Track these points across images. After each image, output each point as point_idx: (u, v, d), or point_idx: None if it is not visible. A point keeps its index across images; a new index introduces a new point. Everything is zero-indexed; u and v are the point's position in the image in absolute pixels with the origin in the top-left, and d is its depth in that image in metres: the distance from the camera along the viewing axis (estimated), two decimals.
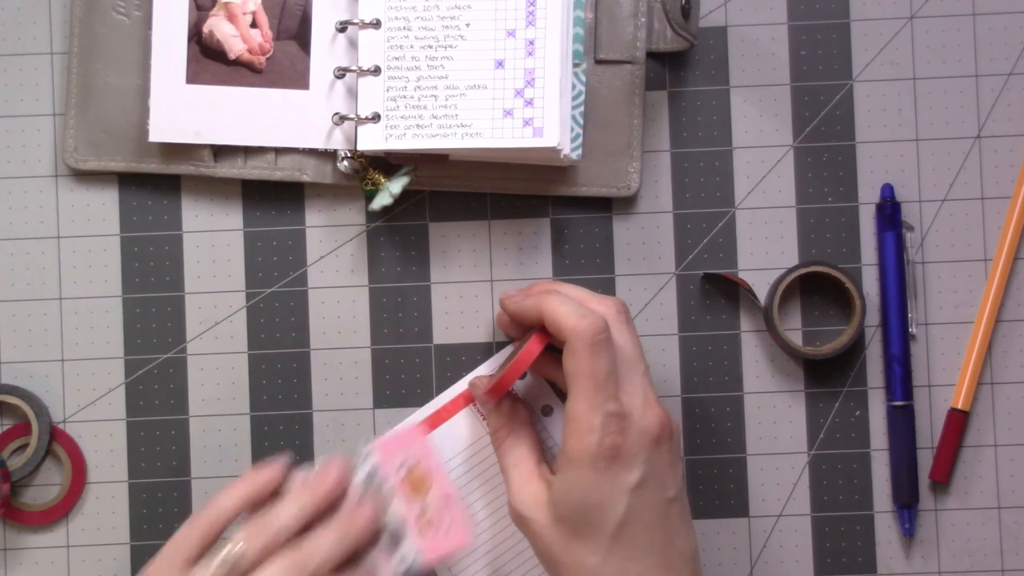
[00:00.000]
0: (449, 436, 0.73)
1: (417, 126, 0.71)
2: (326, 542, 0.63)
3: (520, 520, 0.66)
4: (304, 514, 0.64)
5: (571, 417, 0.63)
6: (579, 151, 0.72)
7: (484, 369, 0.74)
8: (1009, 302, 0.74)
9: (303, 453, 0.74)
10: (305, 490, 0.65)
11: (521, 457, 0.68)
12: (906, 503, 0.73)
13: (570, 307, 0.64)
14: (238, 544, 0.62)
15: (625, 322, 0.66)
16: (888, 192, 0.74)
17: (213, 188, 0.75)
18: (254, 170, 0.74)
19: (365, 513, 0.65)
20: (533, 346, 0.65)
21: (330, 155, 0.74)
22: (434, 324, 0.74)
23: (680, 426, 0.66)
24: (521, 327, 0.71)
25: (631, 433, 0.63)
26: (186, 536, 0.63)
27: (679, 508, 0.65)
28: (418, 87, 0.71)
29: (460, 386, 0.74)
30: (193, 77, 0.73)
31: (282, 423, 0.74)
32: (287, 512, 0.63)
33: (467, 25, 0.71)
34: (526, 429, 0.69)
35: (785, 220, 0.75)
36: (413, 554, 0.67)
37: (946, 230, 0.75)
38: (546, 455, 0.70)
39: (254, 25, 0.73)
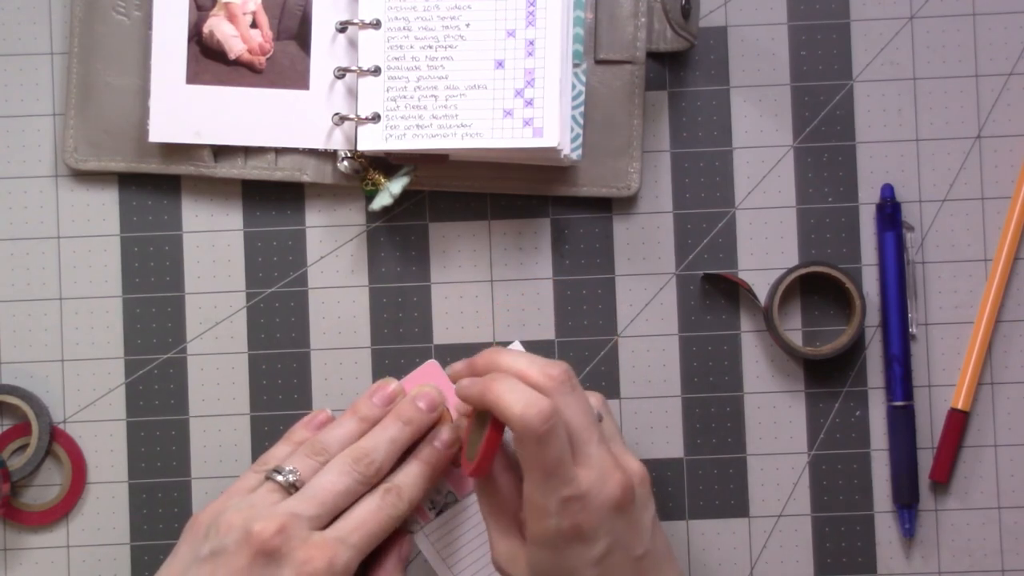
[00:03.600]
0: None
1: (417, 126, 0.71)
2: (383, 434, 0.66)
3: (501, 572, 0.66)
4: (359, 428, 0.67)
5: (527, 501, 0.62)
6: (579, 151, 0.72)
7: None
8: (1009, 302, 0.74)
9: None
10: (355, 409, 0.68)
11: (499, 506, 0.65)
12: (906, 503, 0.73)
13: (515, 395, 0.60)
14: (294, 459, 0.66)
15: (572, 390, 0.62)
16: (888, 192, 0.74)
17: (213, 188, 0.75)
18: (254, 170, 0.74)
19: (418, 404, 0.68)
20: (493, 436, 0.63)
21: (330, 155, 0.74)
22: (434, 324, 0.74)
23: (646, 474, 0.64)
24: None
25: (591, 509, 0.61)
26: (248, 477, 0.66)
27: (650, 560, 0.64)
28: (418, 87, 0.71)
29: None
30: (193, 77, 0.73)
31: (282, 423, 0.74)
32: (342, 429, 0.67)
33: (467, 25, 0.71)
34: (506, 475, 0.65)
35: (785, 220, 0.75)
36: (445, 488, 0.70)
37: (946, 230, 0.75)
38: None
39: (254, 25, 0.73)
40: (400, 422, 0.67)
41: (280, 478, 0.65)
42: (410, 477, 0.67)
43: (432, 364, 0.73)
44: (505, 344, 0.74)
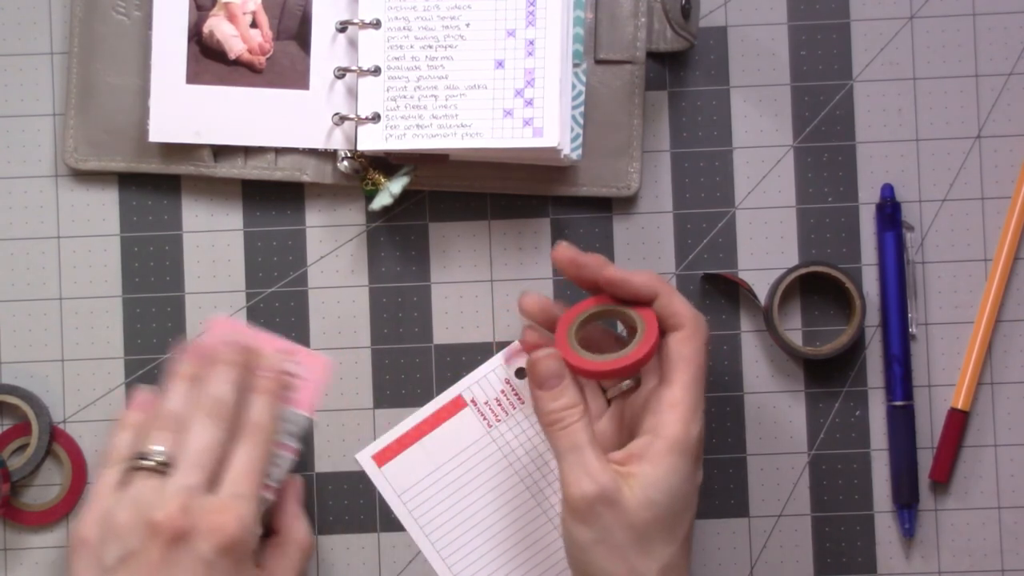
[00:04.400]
0: (448, 437, 0.73)
1: (417, 126, 0.71)
2: (219, 378, 0.64)
3: (593, 505, 0.61)
4: (191, 387, 0.64)
5: (676, 402, 0.62)
6: (579, 151, 0.72)
7: (499, 359, 0.73)
8: (1009, 302, 0.74)
9: (304, 453, 0.74)
10: (177, 374, 0.65)
11: (594, 439, 0.63)
12: (906, 503, 0.73)
13: (679, 296, 0.64)
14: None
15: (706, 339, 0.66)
16: (888, 192, 0.74)
17: (213, 188, 0.75)
18: (254, 170, 0.74)
19: (232, 347, 0.65)
20: (654, 349, 0.63)
21: (330, 155, 0.74)
22: (434, 324, 0.74)
23: None
24: (589, 287, 0.67)
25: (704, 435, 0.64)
26: (108, 475, 0.63)
27: None
28: (418, 87, 0.71)
29: (455, 390, 0.74)
30: (193, 77, 0.73)
31: None
32: (177, 393, 0.64)
33: (467, 25, 0.71)
34: (588, 407, 0.65)
35: (785, 220, 0.75)
36: (294, 415, 0.67)
37: (946, 230, 0.75)
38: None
39: (254, 25, 0.73)
40: (227, 364, 0.65)
41: (148, 462, 0.61)
42: (262, 411, 0.64)
43: (222, 320, 0.70)
44: (505, 344, 0.74)
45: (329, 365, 0.70)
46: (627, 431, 0.67)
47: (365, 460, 0.74)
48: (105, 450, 0.64)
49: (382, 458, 0.74)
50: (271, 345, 0.68)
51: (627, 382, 0.68)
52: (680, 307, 0.64)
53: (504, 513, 0.73)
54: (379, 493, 0.74)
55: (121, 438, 0.63)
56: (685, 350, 0.63)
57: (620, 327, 0.72)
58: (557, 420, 0.63)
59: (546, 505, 0.73)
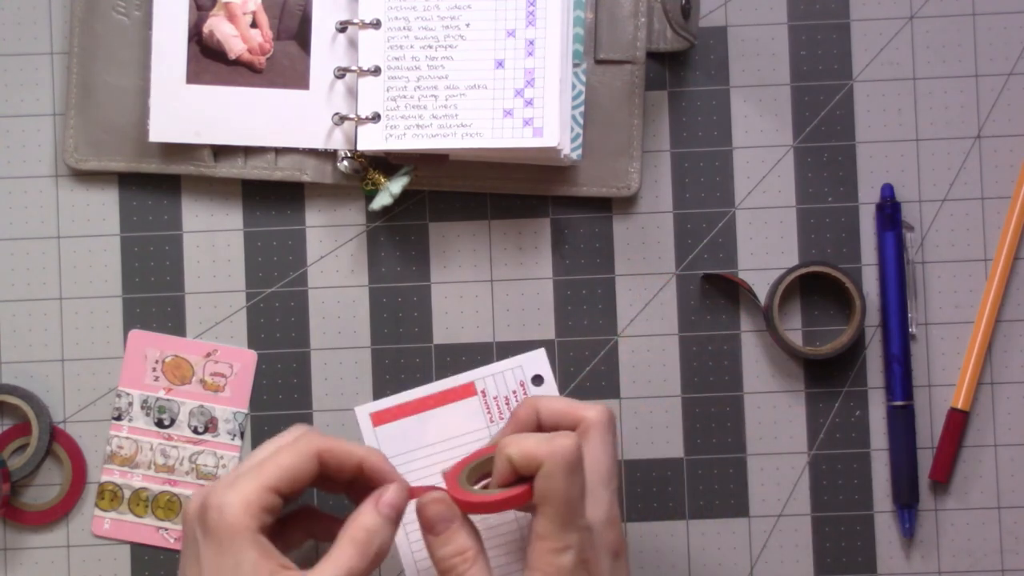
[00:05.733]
0: (449, 419, 0.73)
1: (417, 126, 0.71)
2: (375, 518, 0.63)
3: None
4: None
5: (543, 535, 0.61)
6: (579, 151, 0.72)
7: (495, 388, 0.74)
8: (1009, 302, 0.74)
9: None
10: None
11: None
12: (906, 503, 0.73)
13: (535, 438, 0.62)
14: None
15: (611, 432, 0.64)
16: (888, 192, 0.74)
17: (213, 188, 0.75)
18: (254, 170, 0.74)
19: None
20: (524, 494, 0.62)
21: (330, 155, 0.74)
22: (434, 324, 0.74)
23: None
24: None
25: (597, 545, 0.62)
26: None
27: None
28: (418, 87, 0.71)
29: (470, 376, 0.74)
30: (193, 77, 0.73)
31: (282, 423, 0.74)
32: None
33: (467, 25, 0.71)
34: (485, 553, 0.64)
35: (785, 220, 0.75)
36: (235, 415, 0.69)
37: (946, 230, 0.75)
38: None
39: (254, 25, 0.73)
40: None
41: None
42: (372, 519, 0.63)
43: (137, 332, 0.73)
44: (505, 344, 0.74)
45: (254, 357, 0.72)
46: None
47: (363, 416, 0.74)
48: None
49: (379, 419, 0.74)
50: (196, 350, 0.70)
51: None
52: (534, 450, 0.61)
53: (502, 515, 0.73)
54: None
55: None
56: (545, 487, 0.61)
57: None
58: (450, 568, 0.62)
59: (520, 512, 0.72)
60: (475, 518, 0.64)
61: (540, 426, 0.66)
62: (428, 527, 0.63)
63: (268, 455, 0.62)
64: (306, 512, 0.69)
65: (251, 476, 0.61)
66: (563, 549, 0.61)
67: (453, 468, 0.66)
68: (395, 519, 0.63)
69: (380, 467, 0.64)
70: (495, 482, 0.63)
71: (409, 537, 0.73)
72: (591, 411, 0.65)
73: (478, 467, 0.66)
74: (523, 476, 0.62)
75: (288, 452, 0.62)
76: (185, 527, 0.62)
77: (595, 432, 0.64)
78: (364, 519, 0.62)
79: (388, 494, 0.63)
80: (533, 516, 0.62)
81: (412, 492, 0.64)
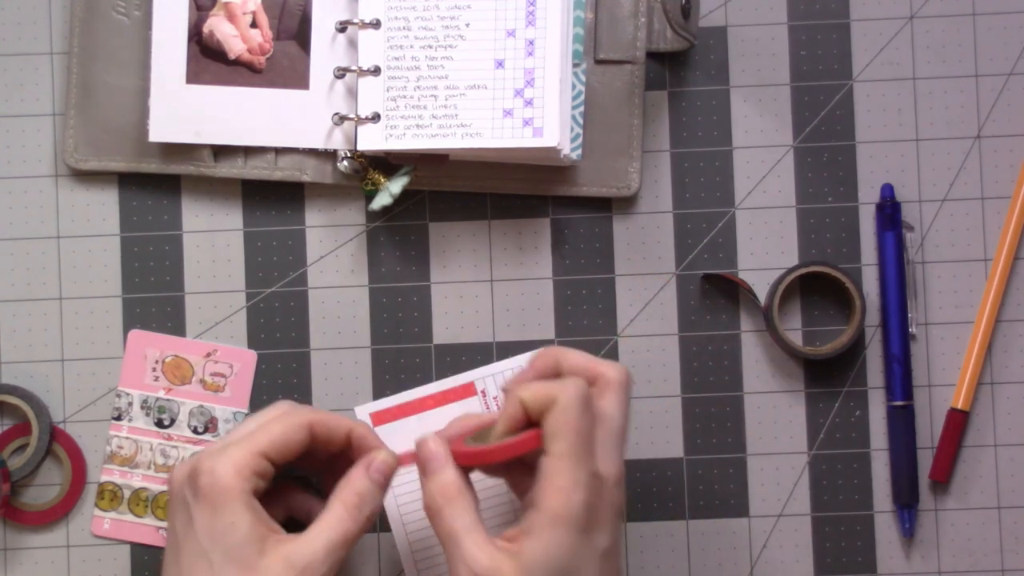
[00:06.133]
0: (448, 420, 0.73)
1: (417, 126, 0.71)
2: (365, 481, 0.65)
3: None
4: None
5: (554, 473, 0.60)
6: (579, 151, 0.72)
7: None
8: (1009, 302, 0.74)
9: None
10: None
11: (475, 521, 0.62)
12: (906, 503, 0.73)
13: (546, 382, 0.63)
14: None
15: (627, 392, 0.64)
16: (888, 192, 0.74)
17: (213, 188, 0.75)
18: (254, 170, 0.74)
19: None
20: (533, 438, 0.62)
21: (330, 155, 0.74)
22: (434, 324, 0.74)
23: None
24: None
25: (605, 497, 0.61)
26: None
27: None
28: (418, 87, 0.71)
29: (470, 376, 0.74)
30: (193, 77, 0.73)
31: None
32: None
33: (467, 25, 0.71)
34: (474, 494, 0.63)
35: (785, 220, 0.75)
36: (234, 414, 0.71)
37: (946, 230, 0.75)
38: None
39: (254, 25, 0.73)
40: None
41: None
42: (362, 481, 0.64)
43: (137, 332, 0.74)
44: (505, 344, 0.74)
45: (254, 357, 0.73)
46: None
47: (363, 416, 0.74)
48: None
49: (379, 418, 0.74)
50: (196, 350, 0.71)
51: None
52: (549, 386, 0.62)
53: (496, 514, 0.73)
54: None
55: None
56: (557, 422, 0.60)
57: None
58: (432, 506, 0.63)
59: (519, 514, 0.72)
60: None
61: (558, 377, 0.66)
62: (421, 468, 0.64)
63: (258, 426, 0.64)
64: (286, 488, 0.69)
65: (243, 443, 0.63)
66: (574, 486, 0.59)
67: (454, 438, 0.66)
68: (384, 485, 0.65)
69: (368, 436, 0.66)
70: (500, 429, 0.63)
71: (400, 509, 0.73)
72: (611, 369, 0.64)
73: (479, 437, 0.65)
74: (531, 423, 0.62)
75: (279, 422, 0.64)
76: (172, 494, 0.64)
77: (613, 389, 0.64)
78: (356, 483, 0.64)
79: (378, 460, 0.65)
80: (540, 462, 0.61)
81: (401, 459, 0.65)
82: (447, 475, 0.63)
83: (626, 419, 0.64)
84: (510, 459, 0.62)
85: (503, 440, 0.62)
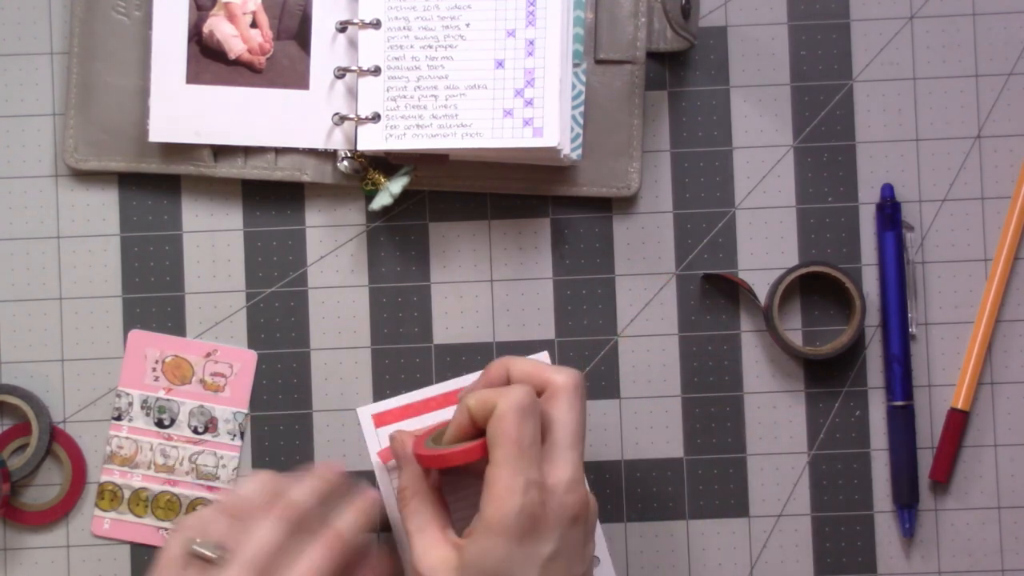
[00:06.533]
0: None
1: (417, 126, 0.71)
2: (351, 518, 0.64)
3: None
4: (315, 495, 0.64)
5: (492, 481, 0.61)
6: (579, 151, 0.72)
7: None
8: (1009, 302, 0.74)
9: (303, 453, 0.74)
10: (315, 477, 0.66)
11: (428, 520, 0.64)
12: (906, 503, 0.73)
13: (493, 389, 0.63)
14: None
15: (579, 396, 0.64)
16: (888, 192, 0.74)
17: (213, 188, 0.75)
18: (254, 170, 0.74)
19: (330, 468, 0.67)
20: (478, 448, 0.63)
21: (330, 155, 0.74)
22: (434, 324, 0.74)
23: (597, 506, 0.65)
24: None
25: (551, 505, 0.61)
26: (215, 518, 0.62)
27: None
28: (418, 87, 0.71)
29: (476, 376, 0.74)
30: (193, 77, 0.73)
31: (282, 423, 0.74)
32: (302, 492, 0.64)
33: (467, 25, 0.71)
34: (435, 494, 0.66)
35: (785, 220, 0.75)
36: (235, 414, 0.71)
37: (946, 230, 0.75)
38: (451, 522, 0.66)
39: (254, 25, 0.73)
40: (317, 478, 0.65)
41: (202, 550, 0.60)
42: (347, 521, 0.63)
43: (137, 332, 0.74)
44: (505, 344, 0.74)
45: (254, 357, 0.73)
46: None
47: (365, 416, 0.74)
48: (182, 519, 0.65)
49: (381, 420, 0.74)
50: (196, 350, 0.71)
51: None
52: (488, 396, 0.62)
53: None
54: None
55: (201, 513, 0.62)
56: (495, 431, 0.61)
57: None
58: (399, 507, 0.66)
59: None
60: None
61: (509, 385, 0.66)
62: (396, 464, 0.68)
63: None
64: None
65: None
66: (508, 494, 0.60)
67: (420, 435, 0.68)
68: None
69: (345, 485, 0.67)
70: (451, 435, 0.65)
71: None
72: (559, 375, 0.65)
73: (441, 435, 0.66)
74: (480, 431, 0.63)
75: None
76: (167, 568, 0.61)
77: (562, 395, 0.64)
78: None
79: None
80: (486, 471, 0.62)
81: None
82: (406, 475, 0.67)
83: (580, 423, 0.64)
84: (458, 466, 0.63)
85: (452, 447, 0.64)
